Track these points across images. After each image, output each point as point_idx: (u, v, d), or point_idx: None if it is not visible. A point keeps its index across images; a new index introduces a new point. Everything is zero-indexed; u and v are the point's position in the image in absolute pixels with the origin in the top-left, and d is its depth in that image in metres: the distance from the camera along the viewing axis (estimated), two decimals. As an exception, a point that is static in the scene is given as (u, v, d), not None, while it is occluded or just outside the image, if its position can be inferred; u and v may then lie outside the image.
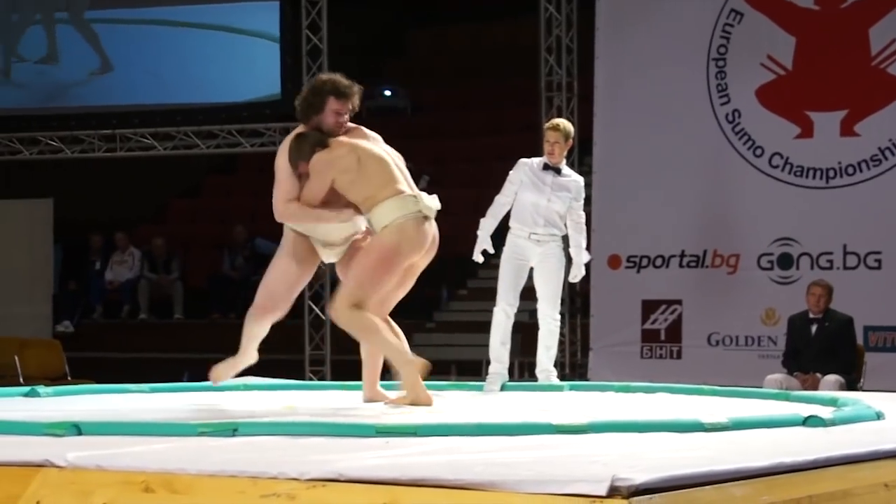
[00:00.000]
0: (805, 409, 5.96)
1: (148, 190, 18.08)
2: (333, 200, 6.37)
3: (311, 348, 14.08)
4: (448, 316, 16.01)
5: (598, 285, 12.62)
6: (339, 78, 6.48)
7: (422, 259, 6.44)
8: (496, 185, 8.36)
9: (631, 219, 12.59)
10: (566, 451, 4.41)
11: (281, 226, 6.64)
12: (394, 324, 6.54)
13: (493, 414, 6.26)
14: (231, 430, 4.83)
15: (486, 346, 8.21)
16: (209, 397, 6.98)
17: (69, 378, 12.93)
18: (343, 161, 6.31)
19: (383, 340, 6.35)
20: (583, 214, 8.30)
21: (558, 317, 8.23)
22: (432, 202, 6.36)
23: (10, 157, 15.41)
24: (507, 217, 8.20)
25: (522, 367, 12.11)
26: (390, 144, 6.61)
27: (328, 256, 6.58)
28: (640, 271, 12.61)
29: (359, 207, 6.36)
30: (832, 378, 10.19)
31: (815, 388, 9.99)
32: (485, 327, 8.34)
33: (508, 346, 8.12)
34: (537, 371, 8.24)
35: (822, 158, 12.06)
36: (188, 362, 13.43)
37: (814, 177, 12.10)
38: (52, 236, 16.33)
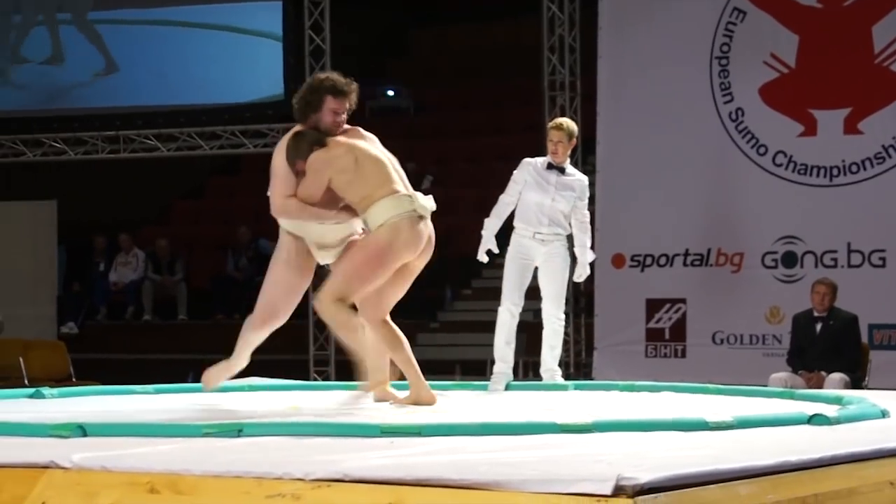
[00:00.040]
0: (810, 408, 5.95)
1: (151, 191, 18.09)
2: (329, 203, 6.37)
3: (316, 348, 14.09)
4: (452, 316, 16.01)
5: (602, 284, 12.61)
6: (336, 76, 6.48)
7: (418, 260, 6.44)
8: (499, 184, 8.35)
9: (634, 218, 12.58)
10: (571, 450, 4.41)
11: (281, 226, 6.63)
12: (394, 325, 6.53)
13: (498, 413, 6.26)
14: (236, 430, 4.83)
15: (491, 345, 8.21)
16: (213, 398, 6.97)
17: (74, 379, 12.94)
18: (341, 161, 6.32)
19: (357, 340, 6.34)
20: (587, 214, 8.30)
21: (563, 316, 8.23)
22: (428, 202, 6.36)
23: (14, 159, 15.43)
24: (511, 217, 8.20)
25: (527, 367, 12.13)
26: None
27: (323, 258, 6.57)
28: (644, 270, 12.60)
29: (354, 208, 6.36)
30: (837, 376, 10.19)
31: (820, 386, 9.99)
32: (489, 327, 8.34)
33: (513, 345, 8.11)
34: (542, 370, 8.24)
35: (826, 156, 12.05)
36: (192, 363, 13.37)
37: (817, 175, 12.09)
38: (55, 238, 16.34)
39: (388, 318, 6.52)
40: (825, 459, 4.30)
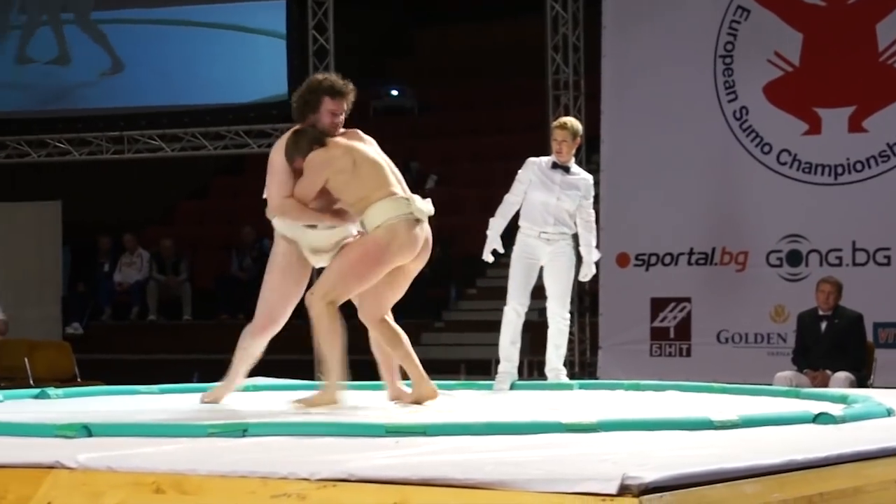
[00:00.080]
0: (815, 407, 5.94)
1: (156, 191, 18.10)
2: (323, 207, 6.37)
3: (320, 348, 14.06)
4: (457, 315, 16.01)
5: (606, 284, 12.61)
6: (334, 77, 6.50)
7: (414, 262, 6.44)
8: (504, 184, 8.35)
9: (639, 217, 12.57)
10: (576, 449, 4.41)
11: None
12: (394, 323, 6.53)
13: (503, 413, 6.26)
14: (241, 430, 4.83)
15: (496, 345, 8.21)
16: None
17: (79, 380, 12.92)
18: (339, 161, 6.33)
19: (333, 349, 6.31)
20: (592, 213, 8.30)
21: (568, 315, 8.22)
22: (425, 206, 6.37)
23: (19, 160, 15.43)
24: (516, 216, 8.20)
25: (532, 366, 12.11)
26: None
27: (317, 261, 6.57)
28: (648, 269, 12.60)
29: (350, 210, 6.36)
30: (842, 375, 10.17)
31: (825, 385, 9.97)
32: (494, 326, 8.34)
33: (518, 345, 8.12)
34: (547, 370, 8.24)
35: (831, 155, 12.04)
36: (197, 363, 13.45)
37: (822, 173, 12.08)
38: (60, 238, 16.35)
39: (387, 317, 6.52)
40: (831, 458, 4.30)
